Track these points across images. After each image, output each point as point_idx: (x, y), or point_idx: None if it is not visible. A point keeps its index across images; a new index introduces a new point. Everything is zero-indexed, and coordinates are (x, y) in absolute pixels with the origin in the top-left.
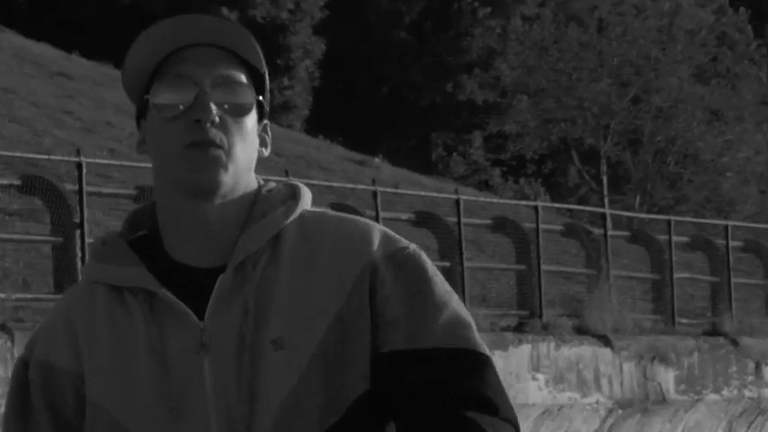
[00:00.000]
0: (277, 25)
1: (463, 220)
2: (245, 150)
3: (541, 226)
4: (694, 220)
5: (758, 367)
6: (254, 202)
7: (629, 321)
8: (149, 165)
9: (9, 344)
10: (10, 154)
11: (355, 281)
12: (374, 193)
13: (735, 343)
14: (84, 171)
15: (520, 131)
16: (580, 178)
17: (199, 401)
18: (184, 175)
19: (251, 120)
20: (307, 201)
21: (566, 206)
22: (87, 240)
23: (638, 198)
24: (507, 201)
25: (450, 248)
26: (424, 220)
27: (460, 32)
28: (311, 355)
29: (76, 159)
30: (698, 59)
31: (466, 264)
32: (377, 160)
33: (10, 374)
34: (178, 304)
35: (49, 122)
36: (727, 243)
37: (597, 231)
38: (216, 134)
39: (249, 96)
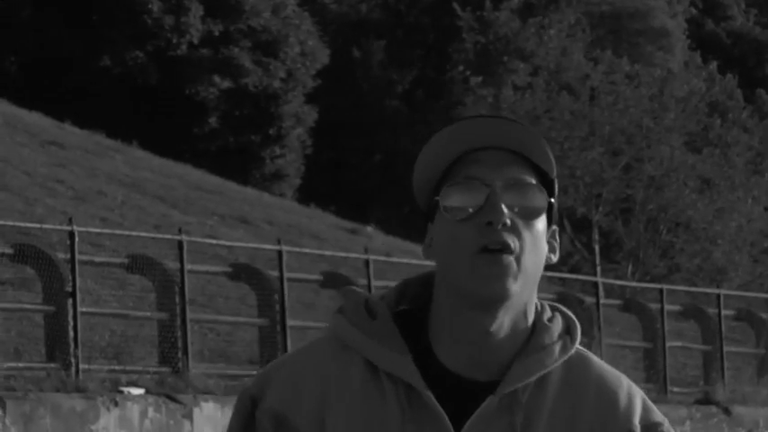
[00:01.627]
0: (269, 94)
1: None
2: (535, 257)
3: None
4: (686, 288)
5: None
6: (534, 329)
7: None
8: (141, 233)
9: (1, 412)
10: (2, 223)
11: None
12: (366, 262)
13: (727, 412)
14: (77, 240)
15: None
16: (572, 247)
17: None
18: (472, 284)
19: (541, 224)
20: (578, 339)
21: (558, 275)
22: (79, 309)
23: (630, 267)
24: None
25: None
26: None
27: (452, 101)
28: None
29: (69, 228)
30: (689, 128)
31: None
32: (369, 229)
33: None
34: (439, 412)
35: (42, 191)
36: (720, 312)
37: (589, 300)
38: (508, 237)
39: (541, 199)
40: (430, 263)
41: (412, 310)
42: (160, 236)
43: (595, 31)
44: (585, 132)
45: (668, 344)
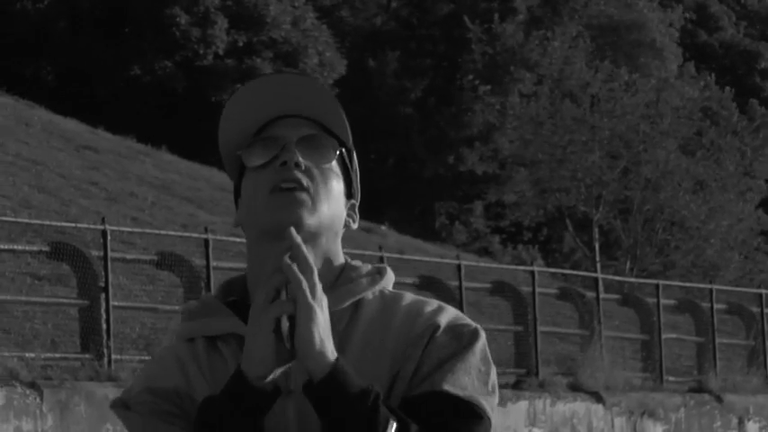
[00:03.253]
0: None
1: (464, 284)
2: (330, 205)
3: (537, 290)
4: (681, 284)
5: (741, 422)
6: (343, 269)
7: (620, 379)
8: (170, 232)
9: (38, 400)
10: (39, 222)
11: (415, 338)
12: (381, 259)
13: (719, 399)
14: (109, 238)
15: (518, 201)
16: (574, 244)
17: None
18: (269, 218)
19: (336, 182)
20: (390, 280)
21: (560, 271)
22: (112, 303)
23: (628, 263)
24: (506, 266)
25: None
26: (428, 284)
27: (462, 108)
28: None
29: (101, 227)
30: (684, 133)
31: None
32: (383, 228)
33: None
34: None
35: (76, 193)
36: (712, 306)
37: (590, 295)
38: (301, 176)
39: (332, 152)
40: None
41: (241, 300)
42: (187, 234)
43: (596, 42)
44: (586, 137)
45: (664, 336)
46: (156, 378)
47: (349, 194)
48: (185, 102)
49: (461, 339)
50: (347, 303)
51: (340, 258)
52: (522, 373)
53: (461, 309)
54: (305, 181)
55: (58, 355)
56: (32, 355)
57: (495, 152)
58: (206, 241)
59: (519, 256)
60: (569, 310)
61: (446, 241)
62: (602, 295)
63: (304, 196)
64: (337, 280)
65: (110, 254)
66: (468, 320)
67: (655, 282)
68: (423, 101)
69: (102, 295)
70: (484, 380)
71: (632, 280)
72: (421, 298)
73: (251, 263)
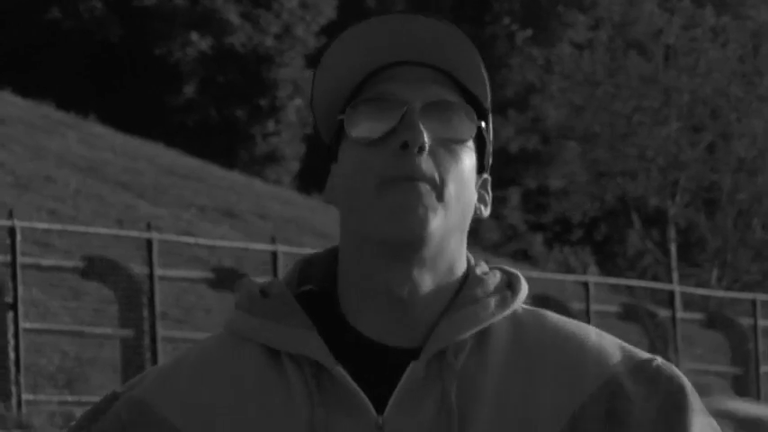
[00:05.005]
0: (260, 56)
1: None
2: (461, 196)
3: (593, 307)
4: None
5: None
6: (464, 282)
7: None
8: (100, 230)
9: None
10: None
11: (586, 402)
12: None
13: None
14: (19, 238)
15: (566, 188)
16: (642, 246)
17: None
18: (380, 222)
19: (469, 160)
20: (524, 294)
21: (623, 282)
22: (22, 325)
23: (715, 272)
24: (550, 275)
25: None
26: None
27: (493, 62)
28: None
29: (8, 223)
30: None
31: None
32: None
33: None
34: (355, 390)
35: None
36: None
37: (664, 313)
38: (426, 164)
39: (470, 126)
40: None
41: (321, 291)
42: (124, 233)
43: None
44: (659, 102)
45: (763, 369)
46: (159, 393)
47: (481, 167)
48: (121, 56)
49: (669, 404)
50: (468, 334)
51: (463, 263)
52: None
53: None
54: (431, 171)
55: None
56: None
57: (536, 122)
58: (149, 242)
59: (567, 262)
60: (636, 333)
61: (469, 241)
62: (679, 314)
63: (429, 191)
64: (456, 298)
65: (19, 259)
66: (641, 351)
67: (751, 296)
68: None
69: (10, 315)
70: None
71: (721, 294)
72: (565, 320)
73: (345, 252)
